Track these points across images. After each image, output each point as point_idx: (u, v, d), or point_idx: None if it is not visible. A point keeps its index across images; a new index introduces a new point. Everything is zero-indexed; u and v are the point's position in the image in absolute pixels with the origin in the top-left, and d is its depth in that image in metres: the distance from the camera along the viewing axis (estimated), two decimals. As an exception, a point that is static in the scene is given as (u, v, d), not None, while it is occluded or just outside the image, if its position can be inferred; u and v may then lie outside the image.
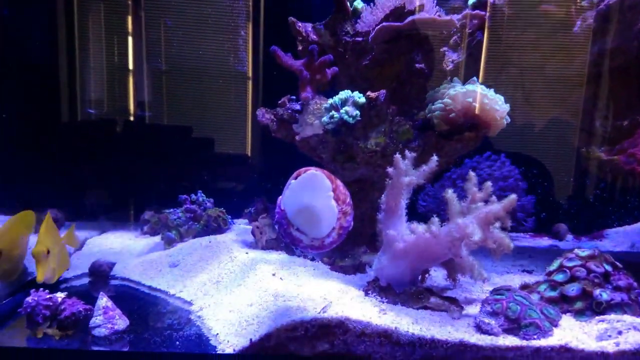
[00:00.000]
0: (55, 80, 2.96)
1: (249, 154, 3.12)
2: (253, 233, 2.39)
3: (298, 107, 2.20)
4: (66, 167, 2.96)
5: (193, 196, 2.67)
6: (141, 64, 3.01)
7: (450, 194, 1.63)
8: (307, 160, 2.14)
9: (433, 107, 1.93)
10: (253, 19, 2.96)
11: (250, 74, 3.03)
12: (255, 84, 3.03)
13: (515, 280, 2.01)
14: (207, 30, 2.98)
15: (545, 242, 2.70)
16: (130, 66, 3.01)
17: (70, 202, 2.90)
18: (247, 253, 2.24)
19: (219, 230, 2.59)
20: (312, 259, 2.20)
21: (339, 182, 1.64)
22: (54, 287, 2.05)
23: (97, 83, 3.02)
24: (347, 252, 2.10)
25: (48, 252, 1.81)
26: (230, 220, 2.70)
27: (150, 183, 3.04)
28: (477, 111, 1.85)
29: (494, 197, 1.60)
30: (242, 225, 2.81)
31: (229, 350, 1.52)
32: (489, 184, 1.63)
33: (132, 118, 3.07)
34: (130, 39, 2.98)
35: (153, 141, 3.07)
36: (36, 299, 1.62)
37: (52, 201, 2.82)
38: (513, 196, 1.54)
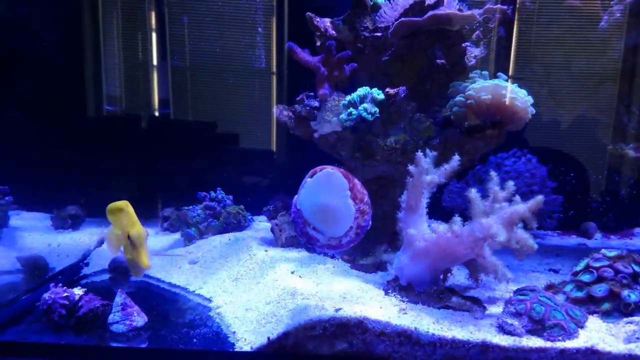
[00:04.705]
0: (79, 77, 2.98)
1: (273, 150, 3.10)
2: (272, 231, 2.38)
3: (316, 103, 2.17)
4: (87, 164, 2.98)
5: (212, 193, 2.67)
6: (165, 60, 3.01)
7: (473, 193, 1.59)
8: (329, 158, 2.12)
9: (453, 102, 1.89)
10: (277, 14, 2.93)
11: (274, 69, 3.00)
12: (279, 79, 3.01)
13: (541, 279, 1.97)
14: (230, 25, 2.97)
15: (573, 240, 2.64)
16: (154, 62, 3.02)
17: (90, 198, 2.92)
18: (266, 251, 2.23)
19: (239, 227, 2.59)
20: (332, 257, 2.18)
21: (356, 181, 1.62)
22: (73, 283, 2.08)
23: (121, 79, 3.03)
24: (367, 251, 2.08)
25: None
26: (249, 217, 2.69)
27: (170, 180, 3.05)
28: (498, 106, 1.80)
29: (517, 197, 1.57)
30: (261, 223, 2.80)
31: (246, 348, 1.51)
32: (511, 183, 1.60)
33: (155, 114, 3.07)
34: (153, 35, 2.98)
35: (174, 138, 3.08)
36: (53, 296, 1.63)
37: (73, 197, 2.85)
38: (540, 197, 1.50)
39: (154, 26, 2.98)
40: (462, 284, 1.89)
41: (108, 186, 2.99)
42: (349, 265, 2.09)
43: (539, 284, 1.78)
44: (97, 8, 2.94)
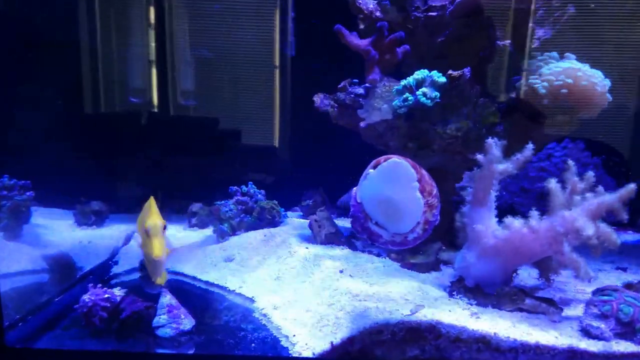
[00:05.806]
0: (96, 73, 2.85)
1: (276, 144, 2.94)
2: (311, 227, 2.24)
3: (361, 90, 2.04)
4: (109, 160, 2.85)
5: (244, 188, 2.52)
6: (174, 55, 2.88)
7: (553, 183, 1.46)
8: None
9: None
10: (281, 6, 2.78)
11: (277, 62, 2.85)
12: (282, 72, 2.86)
13: (611, 278, 1.83)
14: (232, 18, 2.82)
15: (630, 236, 2.50)
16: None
17: (114, 194, 2.79)
18: (306, 248, 2.10)
19: (273, 223, 2.44)
20: (378, 255, 2.05)
21: (424, 172, 1.49)
22: (104, 283, 1.94)
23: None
24: (418, 249, 1.93)
25: (165, 228, 1.44)
26: (283, 213, 2.55)
27: (194, 176, 2.91)
28: (574, 90, 1.66)
29: (601, 188, 1.43)
30: (294, 218, 2.66)
31: (306, 354, 1.38)
32: (590, 173, 1.48)
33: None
34: (151, 30, 2.84)
35: (196, 133, 2.95)
36: (93, 298, 1.48)
37: (96, 193, 2.72)
38: (631, 185, 1.37)
39: (153, 21, 2.84)
40: (527, 285, 1.75)
41: (131, 182, 2.86)
42: (399, 264, 1.96)
43: (610, 283, 1.65)
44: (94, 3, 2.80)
